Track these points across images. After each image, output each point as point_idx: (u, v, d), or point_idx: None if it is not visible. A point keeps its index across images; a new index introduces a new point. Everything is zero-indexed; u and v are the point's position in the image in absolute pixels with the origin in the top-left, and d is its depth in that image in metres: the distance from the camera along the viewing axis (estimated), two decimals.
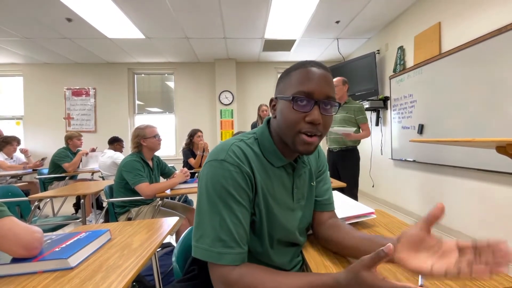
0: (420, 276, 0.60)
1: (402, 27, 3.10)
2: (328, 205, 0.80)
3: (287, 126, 0.63)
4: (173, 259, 0.73)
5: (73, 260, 0.74)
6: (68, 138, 3.33)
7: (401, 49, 3.08)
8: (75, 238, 0.86)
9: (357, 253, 0.66)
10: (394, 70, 3.20)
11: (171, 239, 2.19)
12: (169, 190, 1.85)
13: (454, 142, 0.98)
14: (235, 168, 0.60)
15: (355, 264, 0.50)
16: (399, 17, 3.16)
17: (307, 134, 0.61)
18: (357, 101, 2.71)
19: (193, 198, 2.80)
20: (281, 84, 0.67)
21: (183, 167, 2.23)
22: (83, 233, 0.90)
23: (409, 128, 2.94)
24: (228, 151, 0.62)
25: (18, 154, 3.53)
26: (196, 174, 3.04)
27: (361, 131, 2.58)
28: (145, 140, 1.89)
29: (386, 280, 0.47)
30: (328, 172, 0.88)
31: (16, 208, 1.98)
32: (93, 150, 3.56)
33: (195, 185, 1.95)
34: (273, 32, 3.56)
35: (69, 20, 3.07)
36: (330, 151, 2.71)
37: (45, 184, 3.11)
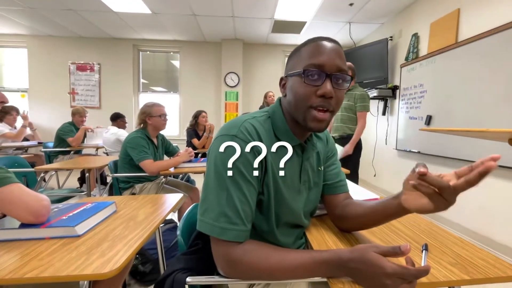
0: (423, 262, 0.61)
1: (419, 13, 2.97)
2: (340, 187, 0.79)
3: (298, 101, 0.61)
4: (178, 232, 0.74)
5: (80, 229, 0.75)
6: (73, 114, 3.35)
7: (416, 36, 2.97)
8: (82, 208, 0.87)
9: (369, 220, 0.69)
10: (406, 59, 3.10)
11: (173, 217, 2.23)
12: (172, 168, 1.87)
13: (466, 132, 0.95)
14: (246, 145, 0.59)
15: (363, 245, 0.51)
16: (416, 1, 3.01)
17: (318, 109, 0.60)
18: (365, 89, 2.64)
19: (196, 178, 2.83)
20: (291, 61, 0.66)
21: (187, 147, 2.24)
22: (89, 204, 0.92)
23: (416, 118, 2.89)
24: (240, 127, 0.60)
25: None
26: (200, 155, 3.06)
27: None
28: (150, 118, 1.88)
29: (392, 262, 0.47)
30: (338, 157, 0.87)
31: (22, 178, 2.01)
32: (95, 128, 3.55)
33: (199, 164, 1.96)
34: (283, 12, 3.43)
35: None
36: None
37: (50, 158, 3.15)
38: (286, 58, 0.75)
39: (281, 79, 0.69)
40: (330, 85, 0.59)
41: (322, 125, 0.61)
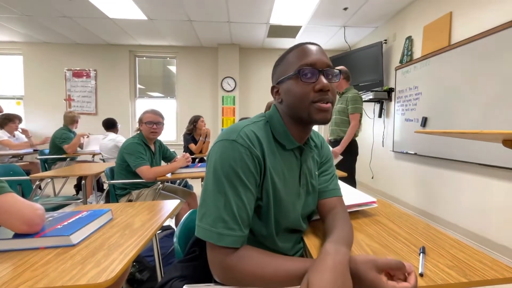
0: (420, 265, 0.61)
1: (412, 16, 3.01)
2: (330, 191, 0.79)
3: (299, 100, 0.64)
4: (175, 239, 0.73)
5: (75, 238, 0.74)
6: (68, 122, 3.33)
7: (409, 39, 3.01)
8: (77, 217, 0.86)
9: None
10: (401, 61, 3.13)
11: (171, 223, 2.21)
12: (170, 174, 1.86)
13: (461, 134, 0.96)
14: (246, 150, 0.59)
15: (361, 260, 0.51)
16: (409, 5, 3.06)
17: (320, 102, 0.63)
18: (360, 92, 2.66)
19: (193, 183, 2.82)
20: (279, 69, 0.70)
21: (184, 152, 2.23)
22: (85, 212, 0.91)
23: (412, 120, 2.91)
24: (240, 132, 0.61)
25: (19, 134, 3.51)
26: (197, 160, 3.05)
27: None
28: (141, 125, 1.88)
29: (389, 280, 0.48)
30: (333, 163, 0.88)
31: (17, 187, 1.99)
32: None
33: (196, 170, 1.96)
34: (278, 17, 3.46)
35: None
36: (328, 141, 2.71)
37: (47, 165, 3.12)
38: None
39: (273, 87, 0.72)
40: (325, 79, 0.63)
41: (327, 115, 0.64)
